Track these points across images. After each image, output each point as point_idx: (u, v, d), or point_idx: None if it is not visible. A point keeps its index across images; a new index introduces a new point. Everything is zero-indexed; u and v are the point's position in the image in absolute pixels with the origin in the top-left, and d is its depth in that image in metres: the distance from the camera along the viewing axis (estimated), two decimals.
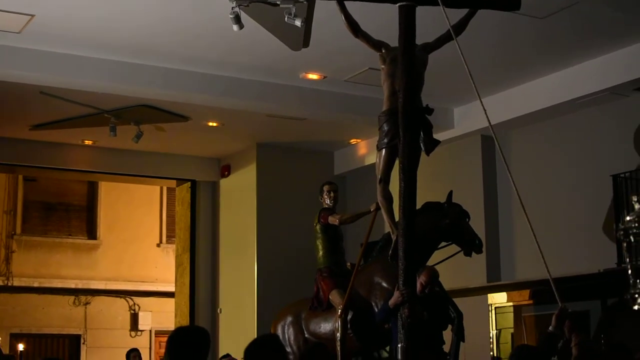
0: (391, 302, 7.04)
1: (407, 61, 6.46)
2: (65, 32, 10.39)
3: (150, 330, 21.61)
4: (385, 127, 7.46)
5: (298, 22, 7.17)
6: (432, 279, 8.47)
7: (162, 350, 20.40)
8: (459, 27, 7.26)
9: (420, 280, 8.31)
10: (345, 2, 7.25)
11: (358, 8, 7.20)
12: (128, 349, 14.83)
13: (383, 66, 7.66)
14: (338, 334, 9.92)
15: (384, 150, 7.56)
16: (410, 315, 6.32)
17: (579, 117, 12.26)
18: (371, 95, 12.28)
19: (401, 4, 6.46)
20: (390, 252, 7.60)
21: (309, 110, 12.92)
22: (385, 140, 7.48)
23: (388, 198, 7.80)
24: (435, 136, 7.53)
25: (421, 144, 7.34)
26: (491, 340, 12.84)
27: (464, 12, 7.36)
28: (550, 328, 5.81)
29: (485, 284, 12.88)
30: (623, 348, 5.57)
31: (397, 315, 6.75)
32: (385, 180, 7.75)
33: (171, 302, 17.47)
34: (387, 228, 8.08)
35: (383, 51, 7.67)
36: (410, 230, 6.24)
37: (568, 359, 5.85)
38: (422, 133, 7.33)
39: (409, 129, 6.42)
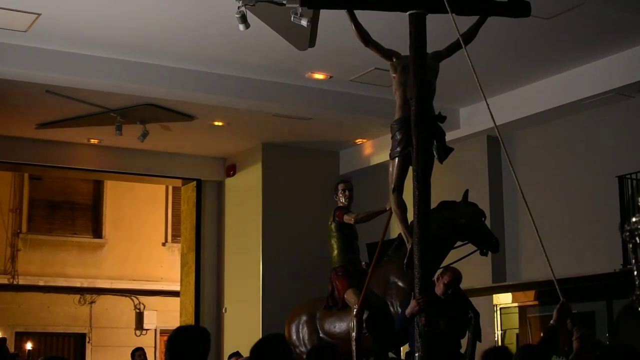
0: (407, 311, 7.04)
1: (419, 69, 6.42)
2: (72, 31, 10.41)
3: (156, 329, 21.62)
4: (398, 136, 7.44)
5: (304, 22, 7.16)
6: (455, 280, 8.41)
7: None
8: (469, 35, 7.23)
9: (444, 280, 8.27)
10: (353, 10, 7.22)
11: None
12: (133, 348, 14.86)
13: (394, 75, 7.64)
14: (353, 334, 9.90)
15: (397, 159, 7.54)
16: (427, 324, 6.28)
17: (584, 118, 12.26)
18: (377, 95, 12.29)
19: (411, 12, 6.43)
20: (406, 261, 7.58)
21: (314, 110, 12.92)
22: (399, 149, 7.46)
23: (402, 207, 7.78)
24: None
25: (434, 152, 7.34)
26: (496, 340, 12.83)
27: (472, 19, 7.35)
28: (552, 322, 5.82)
29: (491, 285, 12.88)
30: (631, 349, 5.55)
31: (414, 323, 6.71)
32: (399, 189, 7.72)
33: (176, 301, 17.48)
34: None
35: (394, 60, 7.65)
36: (426, 238, 6.19)
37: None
38: (434, 141, 7.32)
39: (422, 137, 6.39)
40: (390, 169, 7.67)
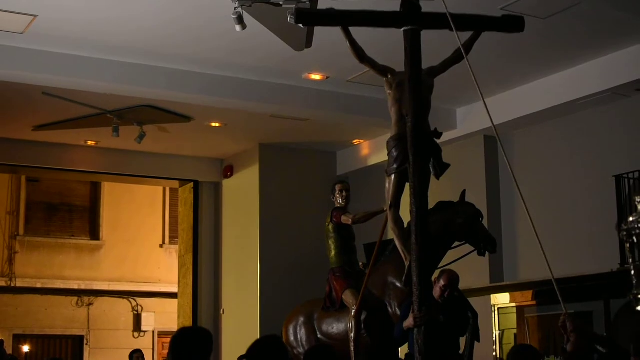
0: (405, 324, 7.06)
1: (414, 85, 6.36)
2: (68, 32, 10.40)
3: (153, 331, 21.60)
4: (395, 153, 7.47)
5: None
6: (451, 283, 8.39)
7: (165, 351, 20.46)
8: (465, 50, 7.22)
9: (440, 284, 8.26)
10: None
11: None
12: (131, 350, 14.85)
13: (390, 91, 7.66)
14: (352, 335, 9.89)
15: (393, 176, 7.56)
16: (425, 343, 6.26)
17: (581, 117, 12.26)
18: (374, 95, 12.29)
19: (406, 28, 6.40)
20: (405, 278, 7.59)
21: (311, 110, 12.92)
22: (395, 166, 7.49)
23: (399, 224, 7.79)
24: None
25: (431, 168, 7.35)
26: (494, 341, 12.83)
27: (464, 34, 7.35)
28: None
29: (488, 285, 12.87)
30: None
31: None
32: (396, 205, 7.74)
33: (174, 302, 17.48)
34: None
35: (389, 77, 7.66)
36: (424, 255, 6.17)
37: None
38: (431, 157, 7.34)
39: (419, 154, 6.35)
40: (387, 185, 7.70)
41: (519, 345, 9.35)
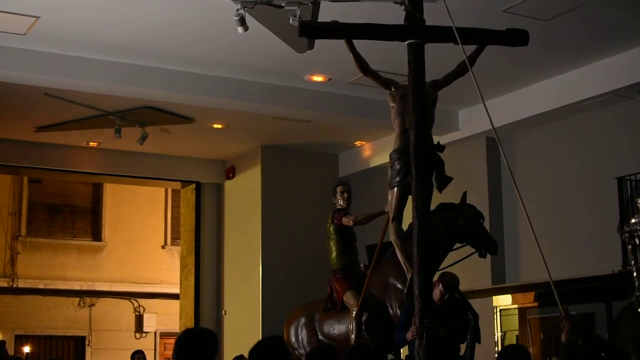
0: (408, 335, 7.09)
1: (418, 98, 6.34)
2: (70, 34, 10.40)
3: (155, 332, 21.60)
4: (397, 166, 7.47)
5: None
6: (450, 287, 8.38)
7: (167, 352, 20.50)
8: (470, 62, 7.21)
9: (439, 288, 8.26)
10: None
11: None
12: (133, 351, 14.86)
13: (393, 104, 7.66)
14: (353, 336, 9.90)
15: (396, 189, 7.56)
16: (426, 356, 6.27)
17: (583, 119, 12.25)
18: (376, 97, 12.27)
19: (410, 41, 6.40)
20: (406, 290, 7.60)
21: (314, 112, 12.91)
22: (397, 179, 7.49)
23: (402, 236, 7.80)
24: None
25: (433, 181, 7.36)
26: (496, 342, 12.83)
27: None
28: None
29: (490, 286, 12.87)
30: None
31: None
32: (398, 218, 7.75)
33: (176, 303, 17.47)
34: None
35: (392, 89, 7.66)
36: (426, 268, 6.17)
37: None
38: (434, 171, 7.34)
39: (421, 167, 6.35)
40: (390, 198, 7.70)
41: (508, 345, 9.36)
